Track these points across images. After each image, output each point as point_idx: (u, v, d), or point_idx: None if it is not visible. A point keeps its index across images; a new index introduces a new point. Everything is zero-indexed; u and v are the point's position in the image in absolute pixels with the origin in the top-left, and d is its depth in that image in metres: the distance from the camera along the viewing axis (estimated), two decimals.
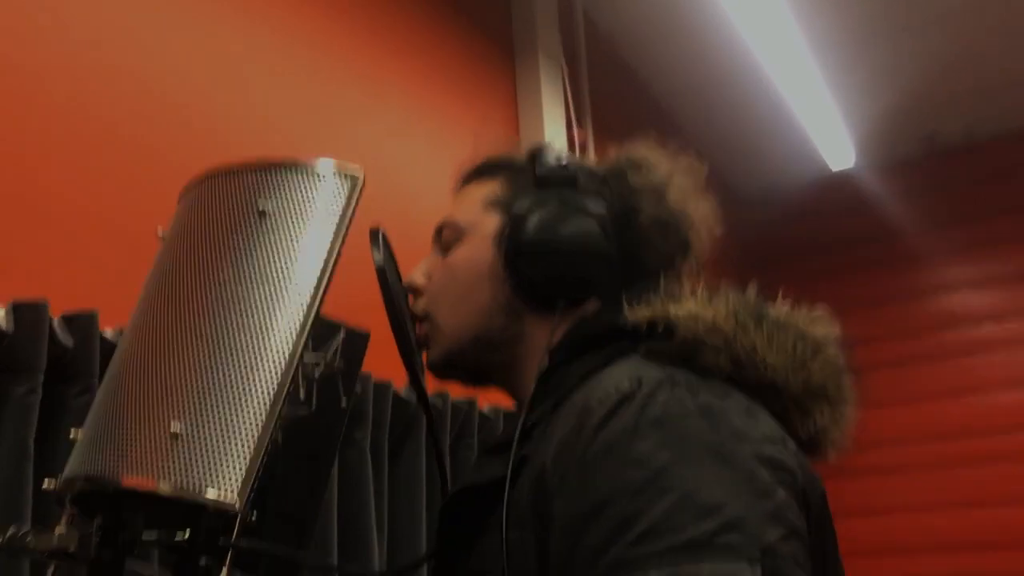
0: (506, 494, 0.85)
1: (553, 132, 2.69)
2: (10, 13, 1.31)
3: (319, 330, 1.05)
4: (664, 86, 3.71)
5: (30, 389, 1.10)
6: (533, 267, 0.96)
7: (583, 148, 2.90)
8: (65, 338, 1.16)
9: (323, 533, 1.48)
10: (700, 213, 1.03)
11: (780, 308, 0.93)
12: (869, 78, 3.59)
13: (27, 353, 1.11)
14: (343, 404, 1.09)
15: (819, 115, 3.67)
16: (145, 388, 0.83)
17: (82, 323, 1.18)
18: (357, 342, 1.13)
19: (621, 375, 0.83)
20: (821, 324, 0.93)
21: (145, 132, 1.48)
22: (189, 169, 0.95)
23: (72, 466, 0.84)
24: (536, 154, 1.04)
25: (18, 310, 1.13)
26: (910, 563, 4.15)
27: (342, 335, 1.08)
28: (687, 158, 1.07)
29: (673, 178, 1.03)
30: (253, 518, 1.02)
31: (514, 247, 0.96)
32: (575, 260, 0.95)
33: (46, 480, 0.86)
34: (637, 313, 0.90)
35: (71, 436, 0.87)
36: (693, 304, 0.88)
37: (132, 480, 0.80)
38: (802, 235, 4.69)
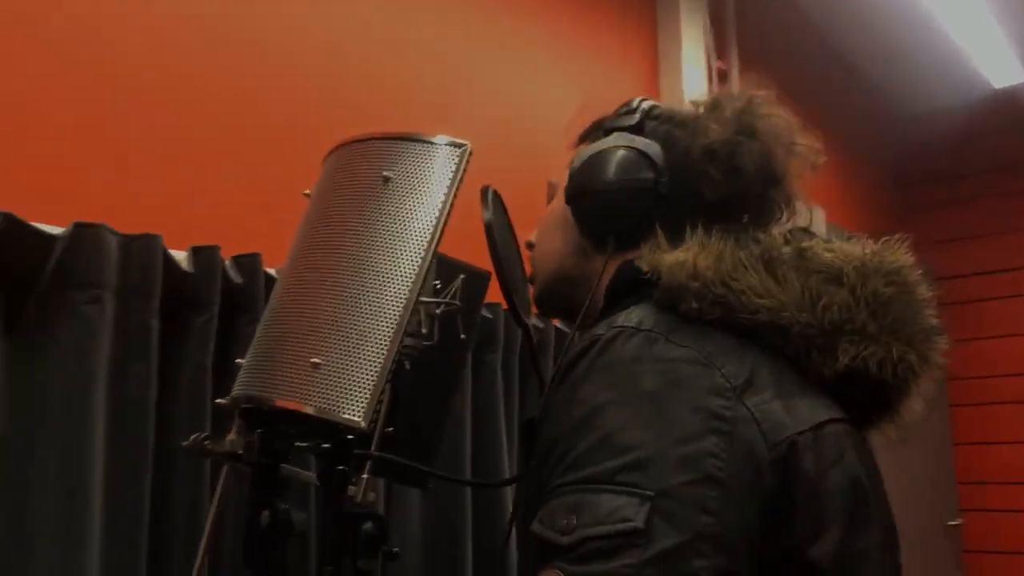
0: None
1: (692, 64, 2.71)
2: None
3: (444, 272, 1.22)
4: (818, 7, 3.61)
5: (207, 319, 1.31)
6: (584, 209, 1.05)
7: (724, 78, 2.91)
8: (236, 276, 1.37)
9: (457, 446, 1.66)
10: (783, 152, 1.02)
11: (822, 244, 0.94)
12: None
13: (205, 289, 1.32)
14: (462, 337, 1.25)
15: (980, 31, 3.47)
16: (292, 325, 1.00)
17: (249, 264, 1.38)
18: (477, 283, 1.28)
19: (605, 323, 0.91)
20: (879, 254, 0.93)
21: (300, 95, 1.66)
22: (336, 131, 1.11)
23: (238, 387, 1.03)
24: (625, 107, 1.10)
25: (197, 253, 1.33)
26: None
27: (461, 277, 1.24)
28: (768, 96, 1.05)
29: (735, 113, 1.02)
30: (388, 431, 1.21)
31: (568, 192, 1.06)
32: (619, 199, 1.01)
33: (219, 398, 1.07)
34: (643, 261, 0.95)
35: (237, 361, 1.07)
36: (684, 251, 0.92)
37: (282, 402, 0.98)
38: (966, 155, 4.49)
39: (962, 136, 4.44)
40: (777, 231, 1.00)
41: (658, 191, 1.01)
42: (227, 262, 1.36)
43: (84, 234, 1.19)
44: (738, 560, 0.77)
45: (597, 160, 1.04)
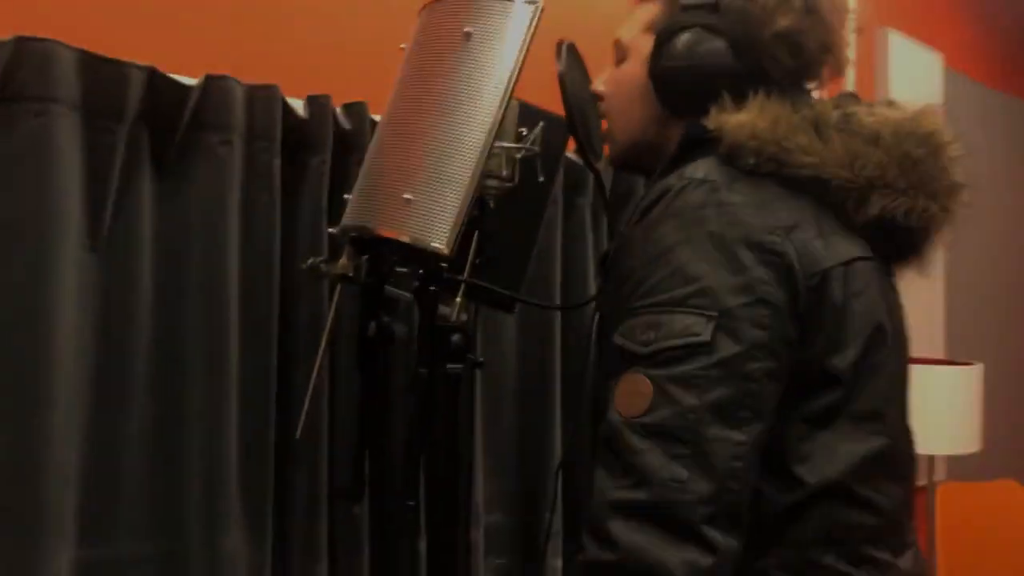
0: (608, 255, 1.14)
1: None
2: None
3: (528, 119, 1.35)
4: None
5: (322, 160, 1.49)
6: (670, 85, 1.16)
7: None
8: (345, 122, 1.54)
9: (549, 276, 1.83)
10: (830, 27, 1.14)
11: (869, 108, 1.08)
12: None
13: (319, 133, 1.49)
14: (541, 179, 1.39)
15: None
16: (388, 165, 1.16)
17: (357, 111, 1.54)
18: (558, 130, 1.40)
19: (674, 175, 1.06)
20: (915, 119, 1.08)
21: None
22: None
23: (345, 217, 1.20)
24: None
25: (312, 102, 1.50)
26: None
27: (541, 125, 1.37)
28: None
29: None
30: (478, 261, 1.38)
31: (657, 68, 1.16)
32: (704, 77, 1.12)
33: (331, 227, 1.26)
34: (710, 122, 1.08)
35: (345, 196, 1.25)
36: (744, 113, 1.06)
37: (384, 231, 1.15)
38: None
39: None
40: (830, 97, 1.13)
41: (735, 69, 1.12)
42: (338, 109, 1.53)
43: (214, 85, 1.37)
44: (781, 364, 0.97)
45: (680, 40, 1.14)
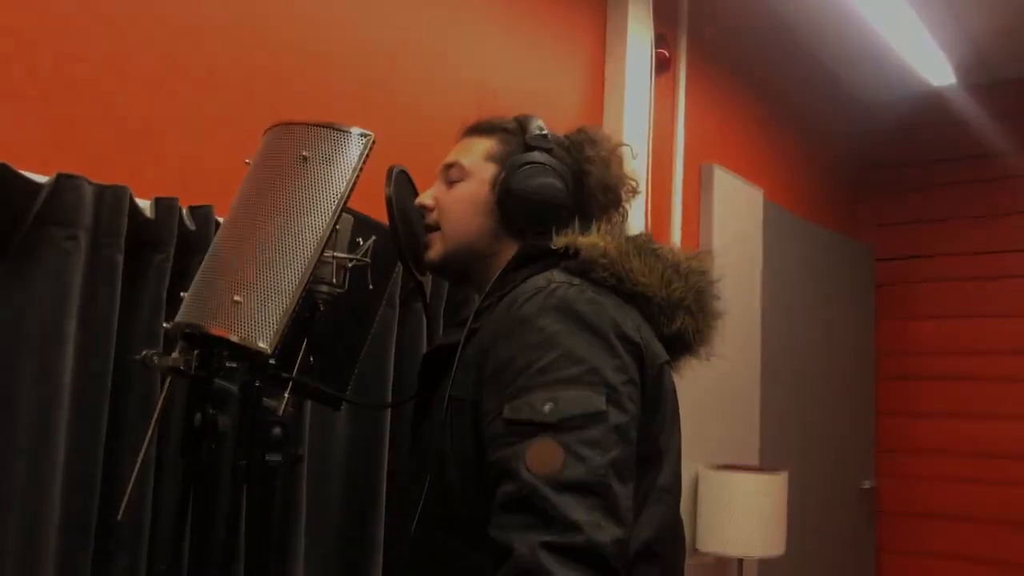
0: (459, 348, 1.31)
1: (636, 52, 2.95)
2: None
3: (364, 232, 1.49)
4: None
5: (164, 258, 1.57)
6: (516, 208, 1.37)
7: (666, 66, 3.15)
8: (191, 223, 1.64)
9: (382, 374, 1.95)
10: (628, 179, 1.44)
11: (664, 246, 1.36)
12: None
13: (164, 232, 1.58)
14: (371, 287, 1.53)
15: (914, 34, 3.70)
16: (222, 267, 1.27)
17: (202, 213, 1.64)
18: (388, 241, 1.55)
19: (540, 278, 1.27)
20: (698, 259, 1.37)
21: (256, 70, 1.91)
22: (281, 104, 1.32)
23: (180, 314, 1.29)
24: (523, 123, 1.44)
25: (159, 202, 1.60)
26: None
27: (373, 238, 1.51)
28: (619, 141, 1.47)
29: (615, 153, 1.43)
30: (310, 359, 1.49)
31: (504, 191, 1.37)
32: (545, 206, 1.37)
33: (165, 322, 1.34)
34: (559, 240, 1.32)
35: (182, 294, 1.34)
36: (594, 236, 1.31)
37: (214, 329, 1.25)
38: (906, 145, 4.73)
39: (903, 127, 4.70)
40: (640, 233, 1.40)
41: (566, 204, 1.39)
42: (184, 210, 1.63)
43: (65, 183, 1.46)
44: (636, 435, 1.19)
45: (530, 172, 1.37)
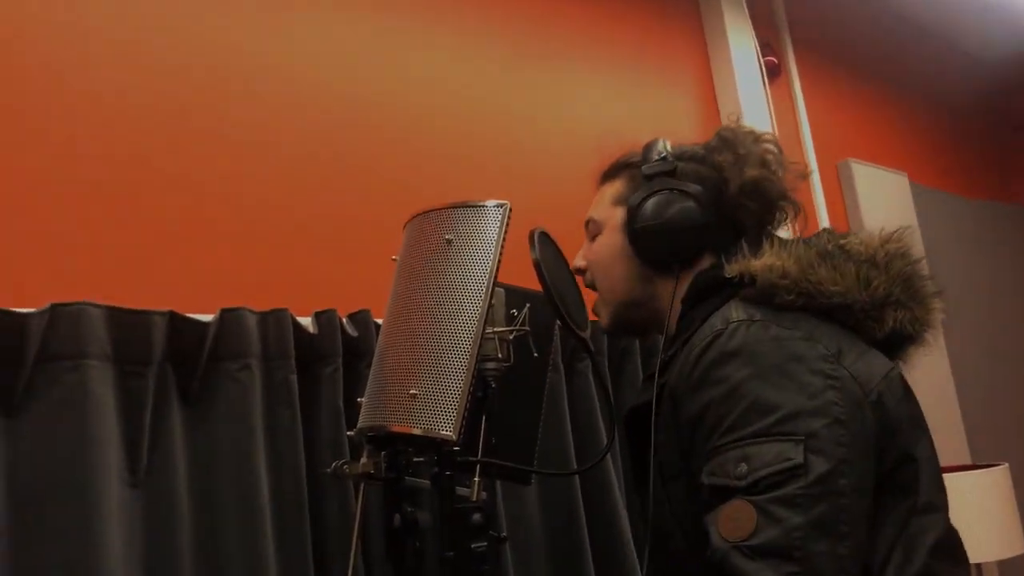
0: (653, 411, 1.21)
1: (744, 64, 2.88)
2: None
3: (516, 302, 1.48)
4: None
5: (334, 369, 1.61)
6: (649, 245, 1.29)
7: (778, 71, 3.06)
8: (351, 330, 1.67)
9: (563, 445, 1.92)
10: (780, 175, 1.30)
11: (854, 236, 1.22)
12: None
13: (329, 345, 1.62)
14: (535, 355, 1.50)
15: None
16: (391, 366, 1.28)
17: (361, 319, 1.67)
18: (543, 307, 1.53)
19: (717, 318, 1.16)
20: (896, 241, 1.22)
21: (394, 171, 1.96)
22: (414, 196, 1.35)
23: (360, 420, 1.30)
24: (645, 152, 1.36)
25: (319, 316, 1.64)
26: None
27: (528, 306, 1.49)
28: (769, 134, 1.34)
29: (756, 148, 1.30)
30: (492, 440, 1.47)
31: (631, 233, 1.31)
32: (679, 233, 1.27)
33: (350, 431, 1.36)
34: (731, 268, 1.20)
35: (359, 400, 1.35)
36: (768, 257, 1.18)
37: (396, 427, 1.25)
38: None
39: None
40: (817, 233, 1.27)
41: (706, 222, 1.27)
42: (344, 319, 1.66)
43: (228, 317, 1.51)
44: (865, 479, 1.05)
45: (651, 203, 1.29)
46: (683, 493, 1.14)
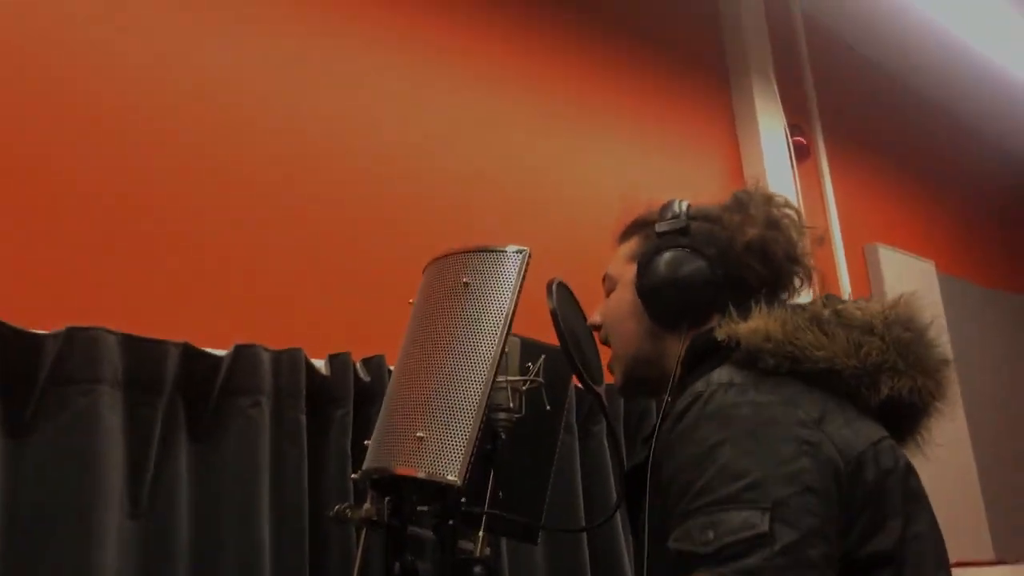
0: (648, 473, 1.17)
1: (773, 145, 2.91)
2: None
3: (531, 355, 1.47)
4: (892, 59, 3.69)
5: (345, 412, 1.60)
6: (656, 301, 1.27)
7: (806, 153, 3.08)
8: (364, 375, 1.66)
9: (572, 505, 1.88)
10: (792, 239, 1.28)
11: (855, 303, 1.18)
12: None
13: (341, 388, 1.61)
14: (548, 408, 1.48)
15: None
16: (400, 408, 1.26)
17: (375, 364, 1.67)
18: (559, 361, 1.51)
19: (701, 382, 1.13)
20: (901, 307, 1.18)
21: (408, 212, 1.98)
22: (434, 242, 1.35)
23: (366, 462, 1.29)
24: (661, 211, 1.35)
25: (333, 359, 1.63)
26: None
27: (543, 357, 1.48)
28: (783, 197, 1.33)
29: (771, 211, 1.28)
30: (500, 494, 1.45)
31: (640, 288, 1.29)
32: (686, 291, 1.25)
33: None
34: (720, 331, 1.18)
35: (365, 443, 1.34)
36: (755, 320, 1.15)
37: (400, 469, 1.23)
38: None
39: None
40: (814, 299, 1.23)
41: (713, 280, 1.25)
42: (358, 364, 1.66)
43: (243, 353, 1.51)
44: (832, 551, 1.00)
45: (660, 260, 1.28)
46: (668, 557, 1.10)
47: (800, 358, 1.12)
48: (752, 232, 1.25)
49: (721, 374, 1.13)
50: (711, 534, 0.98)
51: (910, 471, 1.13)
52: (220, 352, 1.50)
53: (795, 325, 1.14)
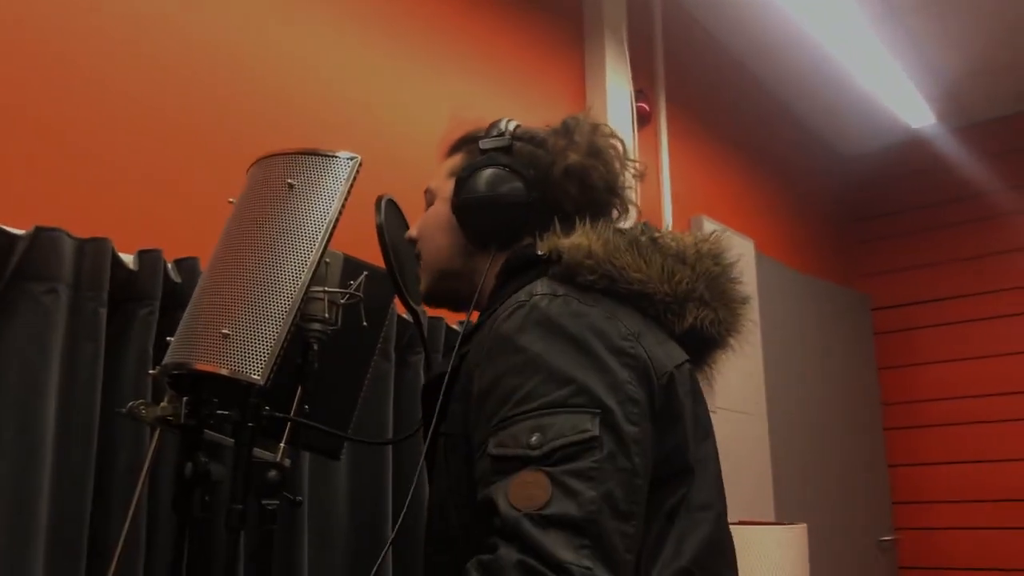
0: (445, 379, 1.18)
1: (617, 106, 2.96)
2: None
3: (353, 273, 1.44)
4: (744, 46, 3.81)
5: (150, 312, 1.51)
6: (471, 218, 1.26)
7: (647, 119, 3.16)
8: (176, 276, 1.59)
9: (382, 433, 1.88)
10: (613, 170, 1.29)
11: (669, 234, 1.21)
12: (942, 44, 3.68)
13: (148, 285, 1.53)
14: (364, 324, 1.47)
15: (894, 77, 3.75)
16: (208, 304, 1.21)
17: (188, 266, 1.59)
18: (381, 281, 1.49)
19: (522, 292, 1.13)
20: (709, 242, 1.22)
21: (229, 118, 1.89)
22: (262, 147, 1.31)
23: (166, 357, 1.24)
24: (488, 129, 1.33)
25: (142, 255, 1.55)
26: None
27: (364, 274, 1.46)
28: (610, 128, 1.33)
29: (588, 139, 1.28)
30: (306, 409, 1.42)
31: (455, 204, 1.27)
32: (500, 210, 1.24)
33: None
34: (543, 245, 1.18)
35: (168, 339, 1.28)
36: (578, 236, 1.16)
37: (201, 365, 1.18)
38: (895, 193, 4.76)
39: (888, 176, 4.75)
40: (633, 224, 1.25)
41: (528, 202, 1.25)
42: (170, 264, 1.58)
43: (44, 235, 1.41)
44: (647, 461, 1.03)
45: (479, 177, 1.26)
46: (462, 465, 1.11)
47: (617, 278, 1.14)
48: (574, 158, 1.25)
49: (543, 286, 1.13)
50: (539, 437, 0.98)
51: (701, 397, 1.18)
52: (17, 231, 1.40)
53: (615, 246, 1.16)
